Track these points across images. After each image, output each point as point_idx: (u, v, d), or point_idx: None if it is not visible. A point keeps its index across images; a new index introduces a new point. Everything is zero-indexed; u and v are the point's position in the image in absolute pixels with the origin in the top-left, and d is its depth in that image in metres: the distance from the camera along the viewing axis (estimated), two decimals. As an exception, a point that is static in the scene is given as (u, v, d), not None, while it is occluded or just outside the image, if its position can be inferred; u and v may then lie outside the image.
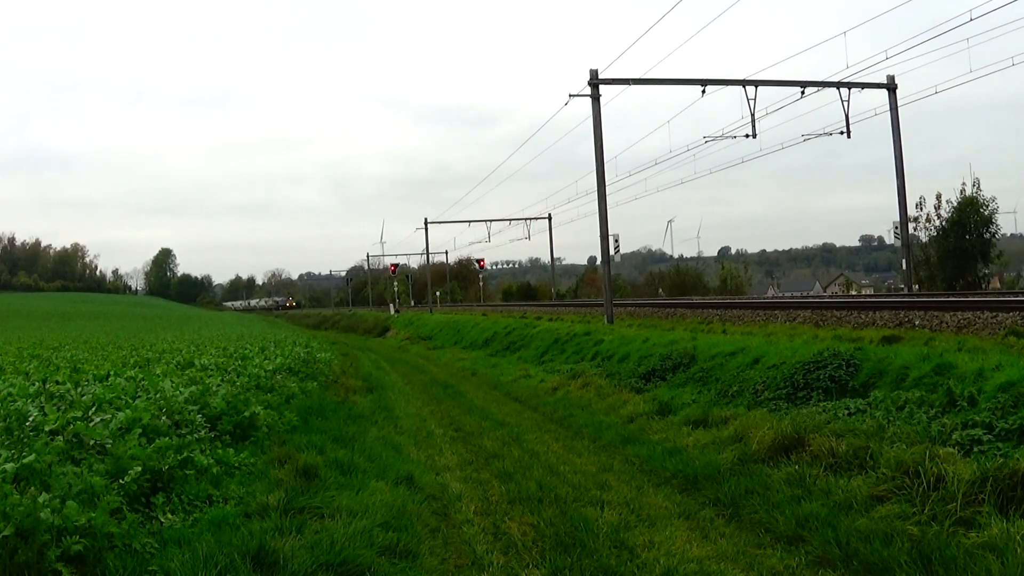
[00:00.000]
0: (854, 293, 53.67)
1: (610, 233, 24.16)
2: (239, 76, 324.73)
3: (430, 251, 66.17)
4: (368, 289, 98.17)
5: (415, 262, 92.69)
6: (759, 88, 24.70)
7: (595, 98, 23.27)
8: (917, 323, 14.20)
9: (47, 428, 5.76)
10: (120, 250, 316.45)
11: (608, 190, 24.05)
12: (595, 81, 23.22)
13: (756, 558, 5.31)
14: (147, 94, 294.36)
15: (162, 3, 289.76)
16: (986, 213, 32.00)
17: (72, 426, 5.77)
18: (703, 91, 24.17)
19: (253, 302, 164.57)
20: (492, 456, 9.08)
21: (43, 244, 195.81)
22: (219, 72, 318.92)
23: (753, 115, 24.65)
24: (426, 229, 60.71)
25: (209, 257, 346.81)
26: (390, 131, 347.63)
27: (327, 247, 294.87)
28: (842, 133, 25.88)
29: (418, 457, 9.10)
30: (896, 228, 28.66)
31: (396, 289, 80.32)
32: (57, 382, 9.21)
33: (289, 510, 5.85)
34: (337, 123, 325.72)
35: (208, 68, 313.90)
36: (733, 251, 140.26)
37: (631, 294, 61.30)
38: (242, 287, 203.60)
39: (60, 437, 5.60)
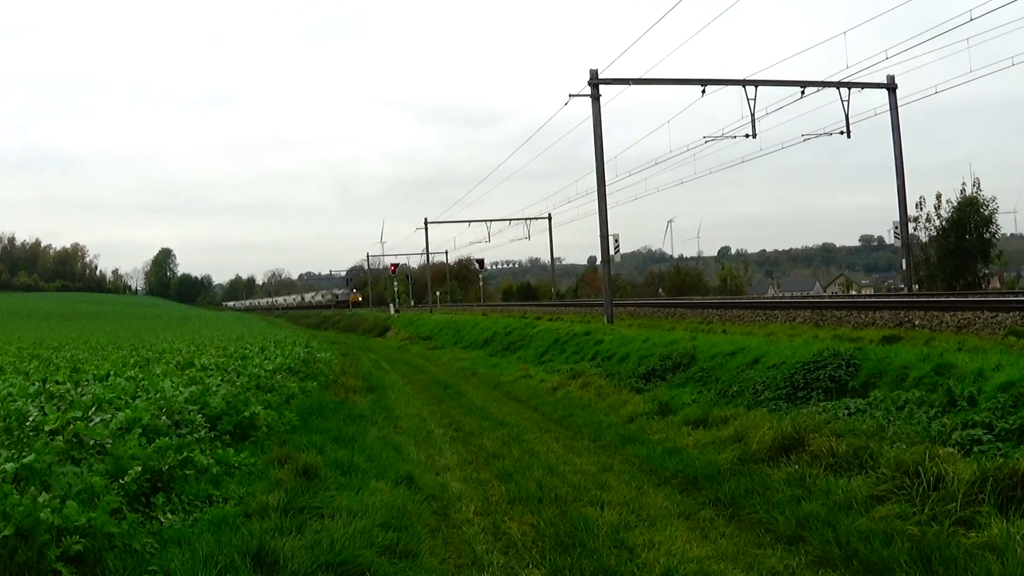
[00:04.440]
0: (854, 293, 53.65)
1: (610, 233, 24.16)
2: (242, 76, 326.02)
3: (430, 251, 66.22)
4: (368, 289, 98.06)
5: (415, 262, 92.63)
6: (759, 88, 24.69)
7: (595, 98, 23.26)
8: (917, 323, 14.20)
9: (47, 428, 5.75)
10: (120, 250, 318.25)
11: (608, 190, 24.08)
12: (595, 81, 23.22)
13: (756, 558, 5.31)
14: (149, 94, 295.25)
15: (165, 2, 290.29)
16: (986, 213, 31.95)
17: (72, 426, 5.77)
18: (703, 91, 24.17)
19: (309, 296, 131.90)
20: (492, 456, 9.08)
21: (43, 244, 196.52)
22: (222, 72, 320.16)
23: (753, 115, 24.65)
24: (426, 229, 60.76)
25: (209, 257, 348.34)
26: (393, 131, 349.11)
27: (327, 247, 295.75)
28: (842, 133, 25.88)
29: (418, 457, 9.10)
30: (896, 228, 28.65)
31: (396, 289, 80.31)
32: (57, 382, 9.21)
33: (289, 510, 5.85)
34: (340, 123, 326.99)
35: (211, 68, 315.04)
36: (733, 251, 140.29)
37: (631, 294, 61.27)
38: (242, 287, 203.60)
39: (60, 437, 5.60)
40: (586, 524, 6.07)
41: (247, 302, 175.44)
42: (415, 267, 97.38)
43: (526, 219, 57.05)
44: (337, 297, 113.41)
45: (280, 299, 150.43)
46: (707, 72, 61.29)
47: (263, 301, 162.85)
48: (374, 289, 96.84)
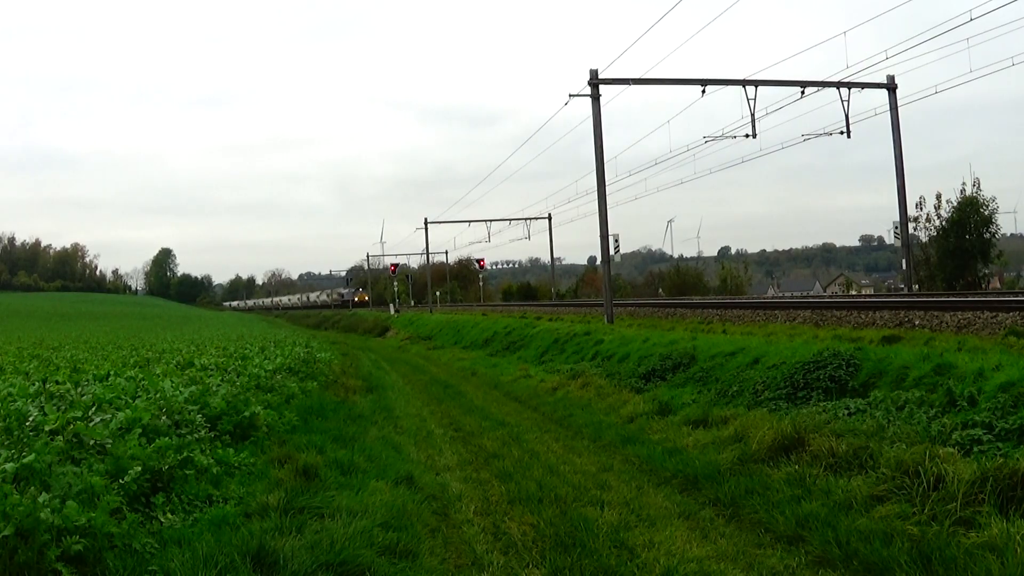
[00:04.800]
0: (854, 293, 53.65)
1: (610, 233, 24.15)
2: (242, 76, 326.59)
3: (430, 251, 66.21)
4: (368, 289, 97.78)
5: (415, 262, 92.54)
6: (759, 88, 24.68)
7: (595, 98, 23.26)
8: (917, 323, 14.20)
9: (47, 428, 5.75)
10: (120, 250, 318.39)
11: (608, 190, 24.07)
12: (595, 81, 23.21)
13: (756, 558, 5.31)
14: (150, 94, 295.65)
15: (166, 2, 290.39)
16: (986, 213, 31.94)
17: (72, 426, 5.77)
18: (703, 91, 24.16)
19: (314, 296, 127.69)
20: (492, 456, 9.08)
21: (43, 244, 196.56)
22: (222, 72, 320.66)
23: (753, 115, 24.64)
24: (426, 229, 60.74)
25: (209, 257, 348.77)
26: (394, 131, 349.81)
27: (327, 247, 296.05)
28: (842, 133, 25.87)
29: (418, 457, 9.10)
30: (896, 228, 28.64)
31: (396, 289, 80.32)
32: (57, 382, 9.21)
33: (289, 510, 5.85)
34: (340, 123, 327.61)
35: (212, 68, 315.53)
36: (733, 251, 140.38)
37: (631, 294, 61.27)
38: (242, 287, 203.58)
39: (60, 437, 5.60)
40: (586, 524, 6.07)
41: (251, 302, 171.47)
42: (415, 267, 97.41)
43: (526, 219, 57.07)
44: (343, 296, 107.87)
45: (285, 299, 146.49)
46: (707, 72, 61.31)
47: (267, 301, 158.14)
48: (374, 289, 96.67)
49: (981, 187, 32.25)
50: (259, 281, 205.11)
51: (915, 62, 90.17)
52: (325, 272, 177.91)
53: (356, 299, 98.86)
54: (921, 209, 33.36)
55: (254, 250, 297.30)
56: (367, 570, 4.89)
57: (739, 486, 6.72)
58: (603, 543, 5.65)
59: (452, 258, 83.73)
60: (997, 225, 32.54)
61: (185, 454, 6.20)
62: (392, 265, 75.45)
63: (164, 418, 7.10)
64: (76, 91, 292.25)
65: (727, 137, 25.89)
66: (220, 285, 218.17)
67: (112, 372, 11.50)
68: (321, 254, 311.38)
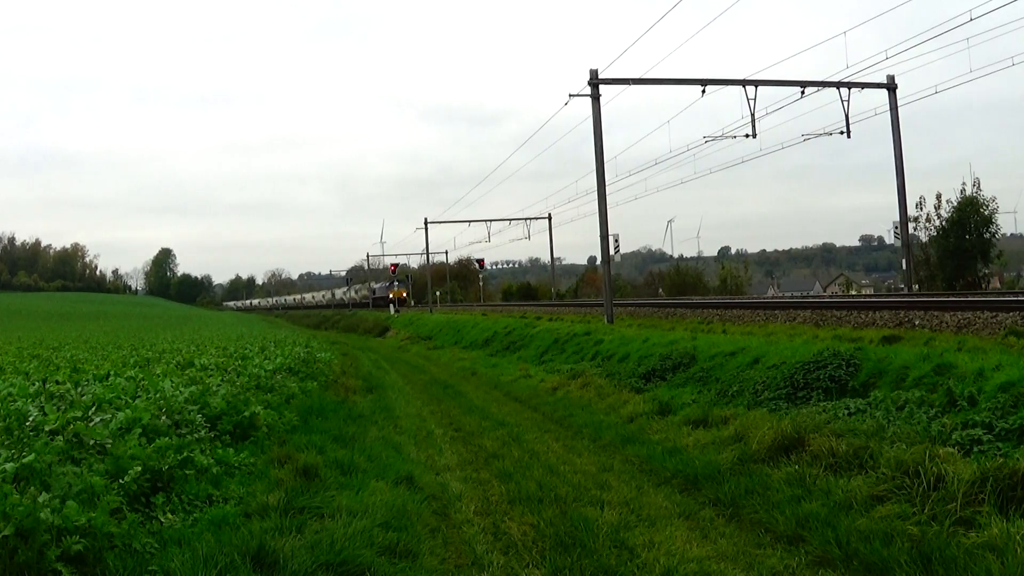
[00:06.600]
0: (854, 293, 53.61)
1: (610, 233, 24.15)
2: (244, 76, 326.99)
3: (430, 251, 66.17)
4: (408, 284, 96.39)
5: (415, 262, 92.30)
6: (759, 88, 24.69)
7: (595, 98, 23.25)
8: (917, 323, 14.20)
9: (47, 428, 5.76)
10: (121, 250, 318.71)
11: (608, 190, 24.06)
12: (595, 81, 23.21)
13: (756, 558, 5.31)
14: (151, 93, 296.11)
15: (168, 2, 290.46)
16: (986, 213, 31.95)
17: (72, 426, 5.77)
18: (703, 91, 24.17)
19: (339, 292, 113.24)
20: (492, 456, 9.08)
21: (43, 244, 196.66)
22: (223, 72, 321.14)
23: (753, 115, 24.64)
24: (426, 229, 60.75)
25: (209, 257, 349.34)
26: (395, 131, 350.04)
27: (327, 247, 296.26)
28: (842, 133, 25.88)
29: (418, 457, 9.10)
30: (896, 228, 28.64)
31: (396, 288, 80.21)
32: (57, 382, 9.22)
33: (289, 510, 5.85)
34: (342, 123, 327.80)
35: (212, 68, 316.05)
36: (733, 251, 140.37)
37: (631, 294, 61.23)
38: (242, 287, 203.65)
39: (60, 437, 5.60)
40: (586, 524, 6.07)
41: (271, 300, 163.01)
42: (415, 267, 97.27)
43: (526, 219, 57.06)
44: (375, 292, 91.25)
45: (308, 296, 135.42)
46: (707, 72, 61.31)
47: (289, 299, 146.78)
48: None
49: (981, 187, 32.31)
50: (259, 281, 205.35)
51: (915, 62, 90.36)
52: (325, 272, 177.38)
53: (393, 295, 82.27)
54: (921, 209, 33.42)
55: (254, 250, 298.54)
56: (367, 570, 4.90)
57: (739, 486, 6.72)
58: (603, 543, 5.65)
59: (452, 258, 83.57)
60: (997, 225, 32.60)
61: (185, 454, 6.20)
62: (392, 265, 75.45)
63: (164, 418, 7.10)
64: (76, 91, 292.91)
65: (727, 137, 25.91)
66: (220, 285, 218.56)
67: (112, 372, 11.50)
68: (321, 254, 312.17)
